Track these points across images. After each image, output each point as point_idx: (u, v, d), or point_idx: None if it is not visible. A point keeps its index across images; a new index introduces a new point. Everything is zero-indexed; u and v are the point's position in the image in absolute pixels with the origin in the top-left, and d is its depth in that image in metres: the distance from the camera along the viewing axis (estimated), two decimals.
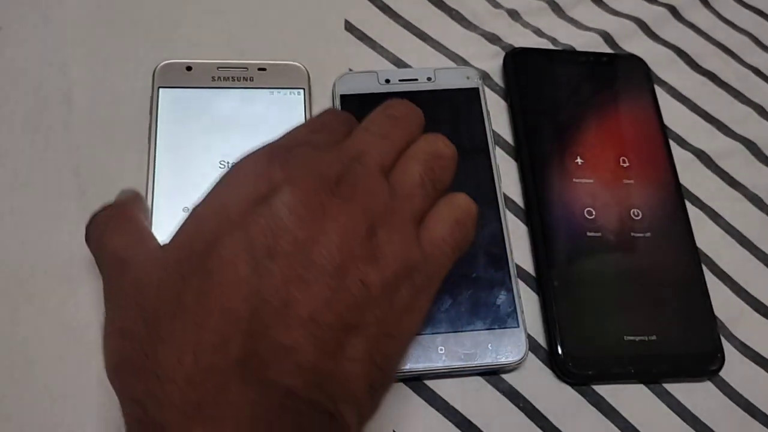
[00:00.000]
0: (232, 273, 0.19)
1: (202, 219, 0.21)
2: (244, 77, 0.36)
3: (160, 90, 0.35)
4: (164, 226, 0.32)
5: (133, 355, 0.20)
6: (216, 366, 0.18)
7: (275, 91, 0.36)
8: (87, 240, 0.26)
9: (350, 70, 0.38)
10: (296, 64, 0.37)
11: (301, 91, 0.36)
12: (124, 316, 0.21)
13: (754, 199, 0.38)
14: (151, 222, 0.31)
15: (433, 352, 0.31)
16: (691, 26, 0.43)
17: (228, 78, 0.36)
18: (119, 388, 0.20)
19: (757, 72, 0.42)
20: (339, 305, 0.19)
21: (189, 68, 0.36)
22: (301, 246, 0.19)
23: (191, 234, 0.21)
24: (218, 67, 0.36)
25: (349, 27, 0.39)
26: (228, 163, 0.34)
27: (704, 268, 0.35)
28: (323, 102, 0.37)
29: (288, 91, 0.36)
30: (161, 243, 0.23)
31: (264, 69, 0.36)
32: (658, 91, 0.40)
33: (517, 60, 0.39)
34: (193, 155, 0.34)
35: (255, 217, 0.20)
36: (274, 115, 0.35)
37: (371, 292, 0.20)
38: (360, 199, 0.21)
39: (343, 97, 0.36)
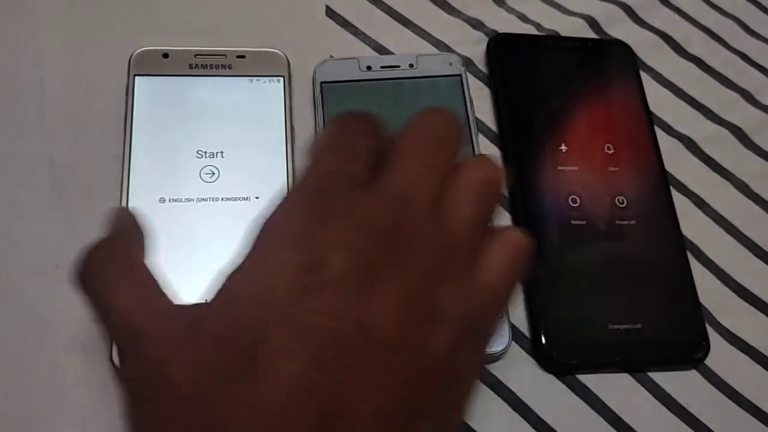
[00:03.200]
0: (286, 371, 0.16)
1: (240, 300, 0.18)
2: (222, 65, 0.35)
3: (136, 78, 0.34)
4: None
5: None
6: None
7: (254, 79, 0.35)
8: (79, 283, 0.21)
9: (331, 56, 0.37)
10: (276, 51, 0.36)
11: (281, 78, 0.35)
12: (155, 414, 0.18)
13: (741, 186, 0.38)
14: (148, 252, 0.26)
15: None
16: (678, 11, 0.42)
17: (206, 66, 0.35)
18: None
19: (744, 57, 0.42)
20: (405, 389, 0.17)
21: (165, 55, 0.35)
22: (359, 325, 0.17)
23: (229, 319, 0.18)
24: (196, 55, 0.35)
25: (330, 13, 0.39)
26: (205, 153, 0.33)
27: (690, 255, 0.35)
28: (304, 89, 0.36)
29: (267, 79, 0.35)
30: (179, 305, 0.20)
31: (243, 56, 0.35)
32: (644, 76, 0.39)
33: (500, 46, 0.38)
34: (171, 145, 0.33)
35: (306, 298, 0.17)
36: (253, 104, 0.35)
37: (436, 361, 0.18)
38: (414, 253, 0.18)
39: (323, 84, 0.36)
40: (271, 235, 0.19)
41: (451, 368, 0.18)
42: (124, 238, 0.22)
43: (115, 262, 0.21)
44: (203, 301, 0.19)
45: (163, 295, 0.20)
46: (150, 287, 0.20)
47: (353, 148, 0.21)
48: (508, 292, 0.21)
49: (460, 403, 0.19)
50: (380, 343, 0.17)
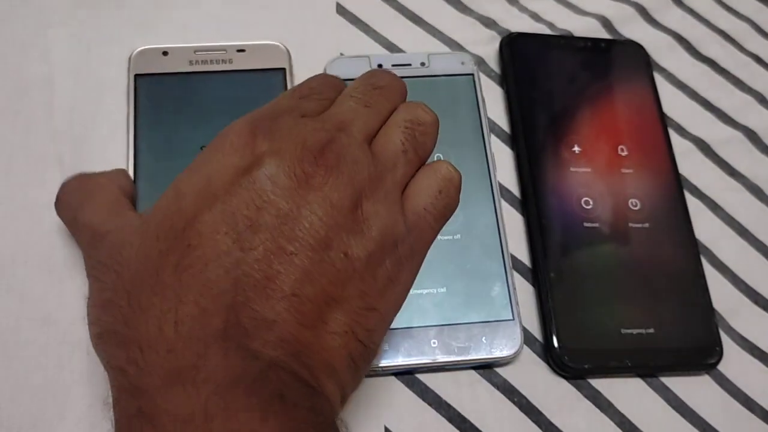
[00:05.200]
0: (212, 247, 0.19)
1: (183, 193, 0.21)
2: (222, 60, 0.35)
3: (137, 77, 0.34)
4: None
5: (114, 325, 0.20)
6: (196, 335, 0.18)
7: (255, 72, 0.35)
8: (57, 207, 0.26)
9: (341, 54, 0.37)
10: (275, 43, 0.35)
11: (282, 71, 0.35)
12: (104, 288, 0.21)
13: (754, 190, 0.37)
14: (135, 194, 0.30)
15: (425, 346, 0.30)
16: (692, 12, 0.42)
17: (206, 61, 0.34)
18: (103, 357, 0.20)
19: (758, 60, 0.41)
20: (321, 279, 0.19)
21: (165, 53, 0.34)
22: (284, 218, 0.19)
23: (171, 208, 0.20)
24: (195, 51, 0.35)
25: (341, 10, 0.38)
26: None
27: (703, 259, 0.35)
28: None
29: (268, 71, 0.35)
30: (141, 212, 0.23)
31: (243, 50, 0.35)
32: (657, 78, 0.39)
33: (513, 45, 0.38)
34: (176, 142, 0.32)
35: (237, 189, 0.20)
36: (255, 97, 0.34)
37: (354, 265, 0.20)
38: (344, 169, 0.20)
39: None
40: (214, 147, 0.21)
41: (369, 275, 0.20)
42: (102, 174, 0.27)
43: (88, 186, 0.25)
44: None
45: (128, 209, 0.24)
46: (117, 204, 0.24)
47: (310, 90, 0.24)
48: (436, 221, 0.23)
49: (379, 308, 0.21)
50: (302, 239, 0.19)
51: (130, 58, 0.34)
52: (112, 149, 0.33)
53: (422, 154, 0.23)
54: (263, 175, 0.20)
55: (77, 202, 0.25)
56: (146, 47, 0.34)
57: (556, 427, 0.30)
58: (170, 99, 0.33)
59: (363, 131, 0.22)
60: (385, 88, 0.24)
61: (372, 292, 0.20)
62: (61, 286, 0.30)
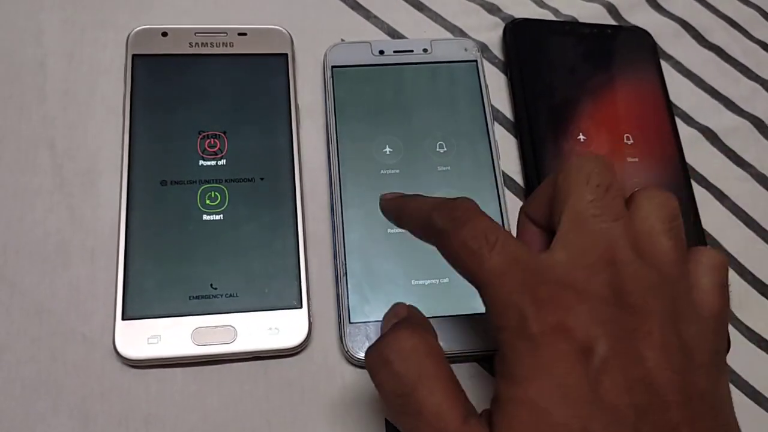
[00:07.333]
0: None
1: (547, 409, 0.19)
2: (223, 43, 0.34)
3: (135, 57, 0.33)
4: (141, 201, 0.30)
5: None
6: None
7: (257, 56, 0.34)
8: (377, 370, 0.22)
9: (342, 40, 0.36)
10: (278, 28, 0.35)
11: (284, 56, 0.34)
12: None
13: (761, 179, 0.37)
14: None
15: None
16: None
17: (206, 44, 0.34)
18: None
19: (765, 47, 0.40)
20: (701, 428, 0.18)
21: (164, 34, 0.33)
22: (650, 388, 0.18)
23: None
24: (196, 33, 0.34)
25: None
26: (207, 133, 0.32)
27: None
28: (315, 73, 0.35)
29: (270, 56, 0.34)
30: None
31: (244, 34, 0.34)
32: (664, 65, 0.38)
33: (517, 31, 0.37)
34: (172, 126, 0.32)
35: (600, 383, 0.18)
36: (255, 82, 0.33)
37: (705, 399, 0.19)
38: (648, 300, 0.19)
39: (334, 68, 0.34)
40: (548, 341, 0.19)
41: (715, 400, 0.19)
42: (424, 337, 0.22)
43: (418, 358, 0.21)
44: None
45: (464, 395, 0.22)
46: (455, 385, 0.22)
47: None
48: (728, 315, 0.22)
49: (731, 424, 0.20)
50: (668, 396, 0.18)
51: (128, 38, 0.33)
52: (105, 133, 0.32)
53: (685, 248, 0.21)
54: (603, 359, 0.18)
55: (409, 378, 0.21)
56: (145, 27, 0.33)
57: None
58: (168, 81, 0.33)
59: (628, 249, 0.20)
60: (612, 186, 0.21)
61: (719, 414, 0.20)
62: (54, 276, 0.29)
